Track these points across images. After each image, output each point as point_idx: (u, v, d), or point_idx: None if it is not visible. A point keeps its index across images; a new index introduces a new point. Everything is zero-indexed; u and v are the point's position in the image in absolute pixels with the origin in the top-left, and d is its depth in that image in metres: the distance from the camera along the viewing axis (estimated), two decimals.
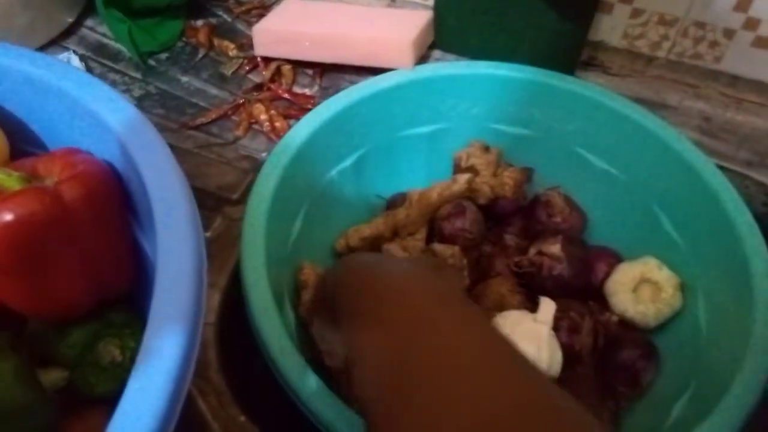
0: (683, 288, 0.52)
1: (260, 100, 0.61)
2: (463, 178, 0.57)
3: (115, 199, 0.34)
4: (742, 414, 0.39)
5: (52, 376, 0.34)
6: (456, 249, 0.54)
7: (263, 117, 0.60)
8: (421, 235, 0.56)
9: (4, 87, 0.38)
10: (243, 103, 0.61)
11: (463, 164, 0.60)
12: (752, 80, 0.62)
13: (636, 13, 0.62)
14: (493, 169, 0.59)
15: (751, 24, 0.58)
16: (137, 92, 0.63)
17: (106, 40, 0.68)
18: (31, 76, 0.37)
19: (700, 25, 0.60)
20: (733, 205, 0.49)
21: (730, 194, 0.50)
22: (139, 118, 0.35)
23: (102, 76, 0.64)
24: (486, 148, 0.61)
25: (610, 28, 0.64)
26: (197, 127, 0.59)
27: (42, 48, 0.66)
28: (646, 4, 0.60)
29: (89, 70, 0.64)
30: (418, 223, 0.56)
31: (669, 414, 0.45)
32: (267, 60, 0.65)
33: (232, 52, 0.66)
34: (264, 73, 0.64)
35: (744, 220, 0.48)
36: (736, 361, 0.42)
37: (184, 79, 0.64)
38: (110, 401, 0.37)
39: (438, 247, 0.54)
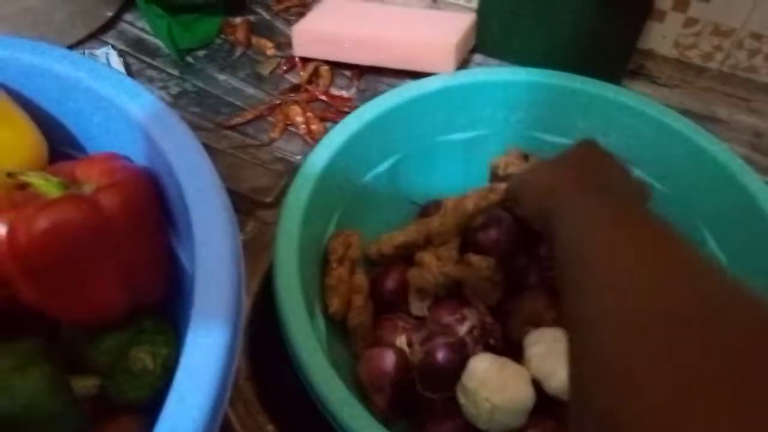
0: None
1: (297, 102, 0.60)
2: (501, 187, 0.55)
3: (153, 207, 0.34)
4: None
5: (85, 383, 0.34)
6: (492, 261, 0.52)
7: (299, 119, 0.59)
8: (455, 244, 0.55)
9: (45, 88, 0.38)
10: (279, 104, 0.61)
11: (501, 172, 0.58)
12: None
13: (690, 22, 0.59)
14: None
15: None
16: (174, 89, 0.63)
17: (145, 36, 0.68)
18: (73, 78, 0.37)
19: (757, 37, 0.58)
20: None
21: None
22: (177, 123, 0.34)
23: (140, 72, 0.64)
24: (524, 156, 0.59)
25: (661, 36, 0.61)
26: (233, 128, 0.59)
27: (81, 42, 0.66)
28: (701, 13, 0.58)
29: (127, 65, 0.64)
30: (452, 232, 0.55)
31: None
32: (305, 60, 0.64)
33: (270, 51, 0.66)
34: (301, 73, 0.63)
35: None
36: None
37: (221, 77, 0.64)
38: (140, 408, 0.37)
39: (473, 258, 0.53)
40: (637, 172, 0.57)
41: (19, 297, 0.35)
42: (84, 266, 0.32)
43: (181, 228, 0.34)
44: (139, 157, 0.35)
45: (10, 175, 0.33)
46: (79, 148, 0.40)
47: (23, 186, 0.33)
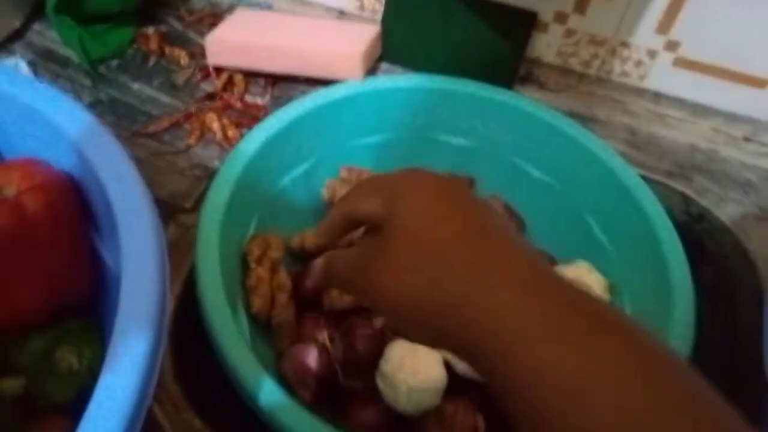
0: (611, 289, 0.56)
1: (212, 109, 0.62)
2: None
3: (75, 208, 0.35)
4: None
5: (9, 384, 0.34)
6: None
7: (215, 126, 0.61)
8: None
9: None
10: (195, 112, 0.62)
11: (326, 199, 0.60)
12: (674, 97, 0.68)
13: (569, 33, 0.66)
14: None
15: (672, 46, 0.64)
16: (87, 99, 0.63)
17: (54, 46, 0.68)
18: None
19: (627, 45, 0.65)
20: (655, 212, 0.54)
21: (653, 202, 0.54)
22: (98, 127, 0.36)
23: (51, 83, 0.64)
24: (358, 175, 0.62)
25: (546, 46, 0.68)
26: (149, 135, 0.60)
27: None
28: (578, 24, 0.65)
29: (37, 76, 0.64)
30: None
31: None
32: (219, 69, 0.66)
33: (184, 61, 0.67)
34: (216, 82, 0.65)
35: (664, 226, 0.53)
36: None
37: (135, 86, 0.65)
38: (66, 408, 0.38)
39: None
40: (530, 169, 0.63)
41: None
42: (5, 268, 0.33)
43: (105, 229, 0.36)
44: (60, 162, 0.36)
45: None
46: None
47: None
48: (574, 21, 0.65)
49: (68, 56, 0.67)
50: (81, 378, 0.38)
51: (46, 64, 0.66)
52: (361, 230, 0.36)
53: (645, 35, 0.64)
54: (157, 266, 0.30)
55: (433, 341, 0.29)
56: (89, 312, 0.39)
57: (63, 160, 0.36)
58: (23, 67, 0.63)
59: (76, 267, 0.36)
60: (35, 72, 0.64)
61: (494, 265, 0.27)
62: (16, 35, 0.68)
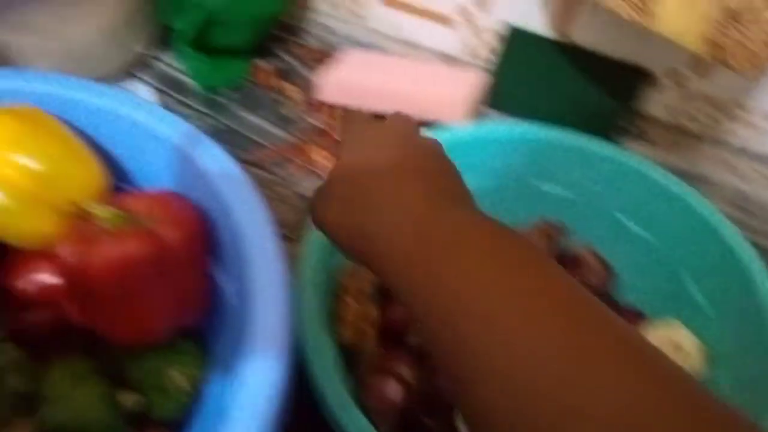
0: (708, 356, 0.54)
1: (318, 144, 0.65)
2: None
3: (206, 242, 0.38)
4: None
5: (128, 398, 0.37)
6: None
7: (320, 160, 0.63)
8: None
9: (106, 126, 0.42)
10: (302, 145, 0.65)
11: None
12: None
13: (683, 91, 0.65)
14: None
15: None
16: (203, 126, 0.67)
17: (176, 74, 0.73)
18: (134, 119, 0.41)
19: (743, 107, 0.63)
20: (761, 277, 0.51)
21: (760, 269, 0.52)
22: (233, 166, 0.38)
23: (171, 108, 0.68)
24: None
25: (657, 102, 0.67)
26: (257, 164, 0.63)
27: (116, 77, 0.71)
28: (694, 84, 0.64)
29: (160, 102, 0.69)
30: None
31: None
32: (327, 105, 0.69)
33: (295, 95, 0.70)
34: (324, 117, 0.68)
35: None
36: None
37: (248, 117, 0.69)
38: (166, 424, 0.40)
39: None
40: (628, 223, 0.61)
41: (70, 316, 0.39)
42: (140, 294, 0.35)
43: (227, 259, 0.38)
44: (194, 195, 0.39)
45: (77, 205, 0.37)
46: (132, 182, 0.44)
47: (85, 215, 0.37)
48: (690, 80, 0.63)
49: (188, 84, 0.72)
50: (186, 397, 0.40)
51: (168, 90, 0.71)
52: None
53: (763, 98, 0.62)
54: (285, 303, 0.31)
55: (361, 263, 0.32)
56: (197, 334, 0.42)
57: (197, 194, 0.39)
58: (148, 92, 0.68)
59: (199, 294, 0.38)
60: (159, 98, 0.69)
61: (390, 200, 0.30)
62: (143, 62, 0.73)
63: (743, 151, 0.66)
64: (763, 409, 0.46)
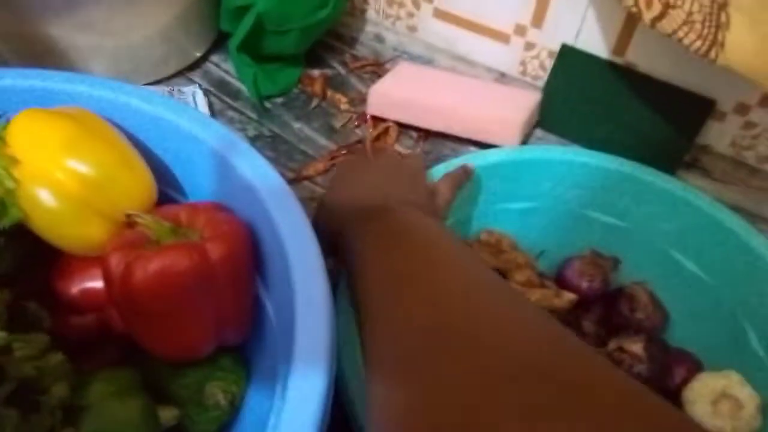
0: (765, 409, 0.51)
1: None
2: (569, 297, 0.57)
3: (251, 259, 0.37)
4: None
5: (167, 414, 0.36)
6: None
7: None
8: None
9: (156, 133, 0.42)
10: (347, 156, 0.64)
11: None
12: None
13: (748, 125, 0.62)
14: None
15: None
16: (251, 132, 0.67)
17: (228, 78, 0.73)
18: (183, 127, 0.41)
19: None
20: None
21: None
22: (281, 183, 0.38)
23: (221, 112, 0.69)
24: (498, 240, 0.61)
25: (720, 134, 0.64)
26: (305, 176, 0.62)
27: (170, 78, 0.71)
28: (761, 118, 0.61)
29: (211, 104, 0.69)
30: None
31: None
32: (376, 118, 0.68)
33: (344, 106, 0.70)
34: (371, 131, 0.67)
35: None
36: None
37: (297, 125, 0.68)
38: None
39: None
40: (684, 261, 0.59)
41: (113, 325, 0.39)
42: (184, 308, 0.35)
43: (271, 278, 0.37)
44: (241, 209, 0.38)
45: (126, 214, 0.37)
46: (181, 191, 0.44)
47: (133, 224, 0.37)
48: (756, 114, 0.60)
49: (239, 88, 0.72)
50: (224, 413, 0.39)
51: (218, 93, 0.71)
52: None
53: None
54: (330, 329, 0.30)
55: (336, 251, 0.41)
56: (239, 350, 0.41)
57: (244, 208, 0.38)
58: (200, 94, 0.68)
59: (242, 313, 0.38)
60: (209, 100, 0.69)
61: (360, 210, 0.41)
62: (196, 65, 0.74)
63: None
64: None
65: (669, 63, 0.61)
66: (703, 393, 0.53)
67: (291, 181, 0.62)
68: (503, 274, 0.59)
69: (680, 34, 0.44)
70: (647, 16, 0.45)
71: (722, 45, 0.42)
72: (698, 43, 0.43)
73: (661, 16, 0.44)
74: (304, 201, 0.60)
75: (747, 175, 0.64)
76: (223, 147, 0.40)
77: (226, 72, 0.74)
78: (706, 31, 0.42)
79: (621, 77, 0.63)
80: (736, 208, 0.59)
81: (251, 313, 0.38)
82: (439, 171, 0.57)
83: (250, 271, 0.37)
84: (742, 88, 0.59)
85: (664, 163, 0.61)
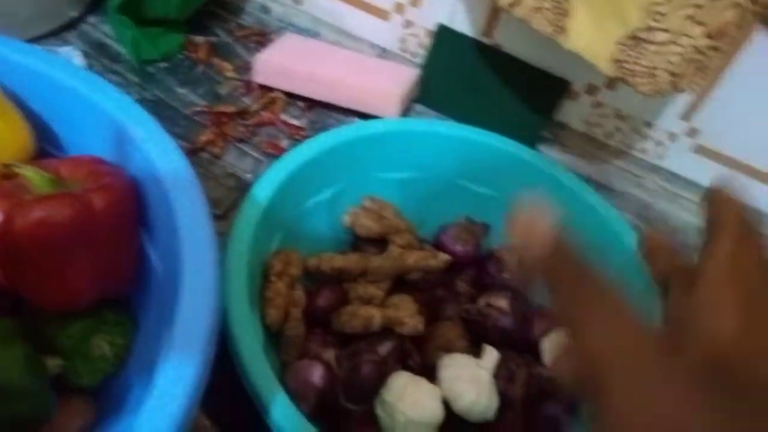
0: None
1: (247, 125, 0.65)
2: (444, 257, 0.61)
3: (134, 209, 0.38)
4: None
5: (51, 363, 0.36)
6: (414, 307, 0.58)
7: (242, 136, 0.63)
8: (386, 286, 0.60)
9: (34, 88, 0.41)
10: (228, 123, 0.65)
11: (348, 225, 0.62)
12: (689, 180, 0.71)
13: (597, 104, 0.70)
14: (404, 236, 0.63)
15: (692, 132, 0.68)
16: (134, 96, 0.65)
17: (107, 40, 0.70)
18: (65, 85, 0.40)
19: (649, 125, 0.69)
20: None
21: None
22: (165, 137, 0.38)
23: (100, 75, 0.66)
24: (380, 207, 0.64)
25: (574, 112, 0.72)
26: (189, 141, 0.62)
27: (41, 39, 0.67)
28: (607, 99, 0.68)
29: (90, 67, 0.66)
30: (387, 275, 0.60)
31: None
32: (262, 87, 0.69)
33: (229, 73, 0.70)
34: (257, 98, 0.68)
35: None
36: None
37: (181, 90, 0.67)
38: (89, 392, 0.40)
39: (396, 299, 0.59)
40: None
41: None
42: (65, 258, 0.35)
43: (157, 231, 0.38)
44: (125, 163, 0.39)
45: (4, 165, 0.36)
46: (59, 147, 0.43)
47: (11, 177, 0.36)
48: (604, 94, 0.68)
49: (120, 52, 0.70)
50: (110, 365, 0.40)
51: (97, 56, 0.69)
52: None
53: (668, 119, 0.67)
54: (215, 279, 0.32)
55: None
56: (125, 304, 0.41)
57: (128, 162, 0.38)
58: (77, 56, 0.65)
59: (126, 263, 0.38)
60: (88, 63, 0.66)
61: None
62: (72, 25, 0.70)
63: (647, 164, 0.72)
64: None
65: (530, 45, 0.67)
66: (557, 342, 0.59)
67: (188, 152, 0.62)
68: (385, 238, 0.63)
69: (532, 18, 0.49)
70: (504, 1, 0.49)
71: (567, 30, 0.48)
72: (548, 28, 0.48)
73: (515, 2, 0.49)
74: (202, 176, 0.60)
75: (596, 149, 0.72)
76: (108, 104, 0.39)
77: (105, 34, 0.71)
78: (553, 17, 0.47)
79: (490, 57, 0.68)
80: (588, 180, 0.66)
81: (136, 264, 0.39)
82: None
83: (134, 223, 0.38)
84: (592, 71, 0.66)
85: (528, 137, 0.68)
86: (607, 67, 0.48)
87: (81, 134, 0.41)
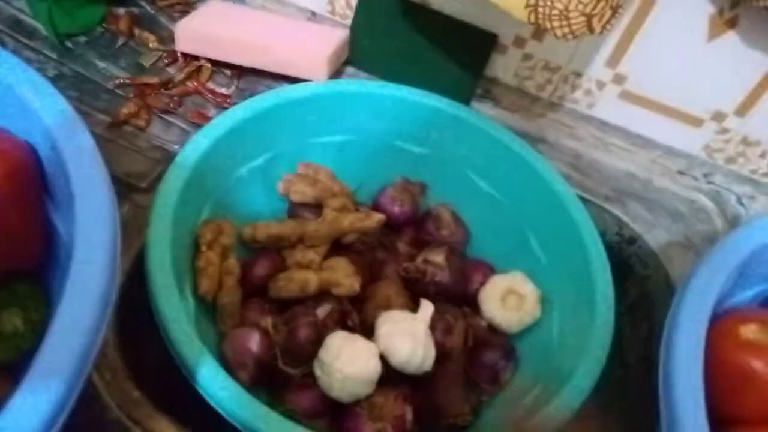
0: (543, 300, 0.59)
1: (171, 95, 0.64)
2: (378, 217, 0.61)
3: (33, 177, 0.37)
4: (578, 398, 0.47)
5: None
6: (351, 269, 0.58)
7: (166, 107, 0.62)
8: (323, 250, 0.60)
9: None
10: (153, 94, 0.63)
11: (282, 192, 0.63)
12: (618, 127, 0.72)
13: (526, 57, 0.70)
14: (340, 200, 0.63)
15: (619, 79, 0.68)
16: (51, 72, 0.63)
17: (22, 16, 0.68)
18: None
19: (578, 74, 0.69)
20: (588, 231, 0.58)
21: (587, 222, 0.58)
22: (61, 101, 0.37)
23: (16, 52, 0.63)
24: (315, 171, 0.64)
25: (504, 67, 0.72)
26: (112, 115, 0.61)
27: None
28: (535, 50, 0.69)
29: (2, 44, 0.64)
30: (324, 239, 0.59)
31: (520, 405, 0.53)
32: (187, 56, 0.67)
33: (153, 44, 0.68)
34: (182, 68, 0.66)
35: (595, 245, 0.57)
36: (577, 360, 0.50)
37: (101, 64, 0.65)
38: (6, 369, 0.39)
39: (332, 261, 0.59)
40: (479, 182, 0.66)
41: None
42: None
43: (61, 199, 0.37)
44: (21, 131, 0.37)
45: None
46: None
47: None
48: (531, 46, 0.68)
49: (35, 27, 0.67)
50: (25, 341, 0.39)
51: (12, 33, 0.66)
52: None
53: (595, 67, 0.68)
54: (110, 238, 0.31)
55: None
56: (38, 278, 0.41)
57: (26, 132, 0.37)
58: None
59: (29, 233, 0.37)
60: (1, 40, 0.64)
61: None
62: None
63: (578, 114, 0.73)
64: (580, 339, 0.52)
65: (456, 1, 0.67)
66: (493, 292, 0.60)
67: (109, 126, 0.60)
68: (320, 202, 0.63)
69: None
70: None
71: None
72: None
73: None
74: (107, 135, 0.59)
75: (529, 103, 0.72)
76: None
77: (20, 10, 0.68)
78: None
79: (418, 15, 0.68)
80: (522, 134, 0.67)
81: (41, 234, 0.38)
82: None
83: (34, 191, 0.37)
84: (518, 23, 0.66)
85: (461, 94, 0.68)
86: (522, 14, 0.48)
87: None
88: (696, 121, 0.69)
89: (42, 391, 0.27)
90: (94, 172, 0.34)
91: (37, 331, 0.40)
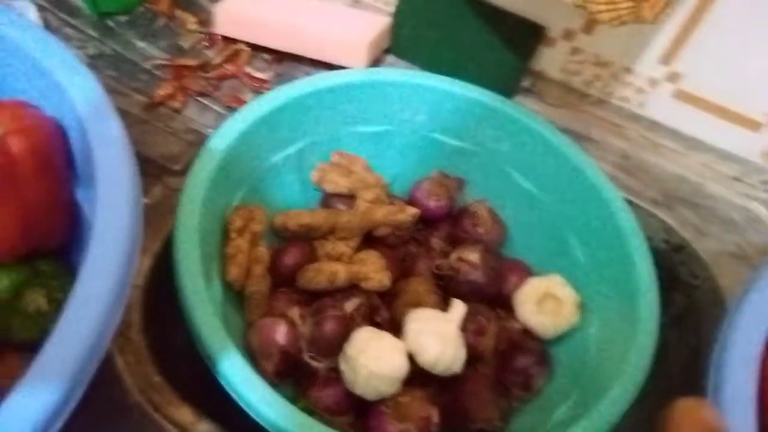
0: (581, 306, 0.57)
1: (208, 78, 0.63)
2: (412, 211, 0.60)
3: (59, 155, 0.36)
4: (615, 413, 0.45)
5: None
6: (382, 263, 0.56)
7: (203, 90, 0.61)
8: (354, 243, 0.58)
9: None
10: (189, 77, 0.62)
11: (315, 181, 0.62)
12: (669, 128, 0.69)
13: (575, 51, 0.67)
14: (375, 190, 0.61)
15: (673, 77, 0.65)
16: (92, 50, 0.63)
17: None
18: None
19: (629, 71, 0.66)
20: (633, 236, 0.55)
21: (632, 226, 0.55)
22: (89, 78, 0.36)
23: (58, 30, 0.64)
24: (349, 161, 0.63)
25: (551, 60, 0.69)
26: (148, 95, 0.60)
27: None
28: (585, 44, 0.66)
29: (46, 21, 0.64)
30: (356, 231, 0.58)
31: (552, 416, 0.50)
32: (226, 39, 0.66)
33: (192, 26, 0.67)
34: (221, 51, 0.65)
35: (641, 252, 0.54)
36: (616, 371, 0.47)
37: (141, 44, 0.65)
38: (29, 348, 0.38)
39: (363, 254, 0.57)
40: (520, 179, 0.63)
41: None
42: None
43: (85, 178, 0.36)
44: (49, 107, 0.37)
45: None
46: None
47: None
48: (581, 40, 0.65)
49: (78, 5, 0.67)
50: (48, 320, 0.38)
51: (55, 10, 0.66)
52: None
53: (648, 64, 0.64)
54: (130, 215, 0.30)
55: None
56: (63, 257, 0.40)
57: (54, 108, 0.36)
58: (32, 10, 0.63)
59: (54, 211, 0.36)
60: (44, 17, 0.64)
61: None
62: None
63: (628, 113, 0.70)
64: (620, 351, 0.49)
65: None
66: (529, 294, 0.58)
67: (146, 107, 0.60)
68: (353, 193, 0.61)
69: None
70: None
71: None
72: None
73: None
74: (143, 116, 0.58)
75: (576, 99, 0.69)
76: (24, 42, 0.37)
77: None
78: None
79: (463, 3, 0.65)
80: (566, 131, 0.64)
81: (65, 213, 0.37)
82: None
83: (60, 169, 0.36)
84: (568, 15, 0.63)
85: (504, 88, 0.65)
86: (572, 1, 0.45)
87: (10, 80, 0.39)
88: (754, 125, 0.65)
89: (42, 391, 0.26)
90: (119, 158, 0.33)
91: (59, 309, 0.39)
